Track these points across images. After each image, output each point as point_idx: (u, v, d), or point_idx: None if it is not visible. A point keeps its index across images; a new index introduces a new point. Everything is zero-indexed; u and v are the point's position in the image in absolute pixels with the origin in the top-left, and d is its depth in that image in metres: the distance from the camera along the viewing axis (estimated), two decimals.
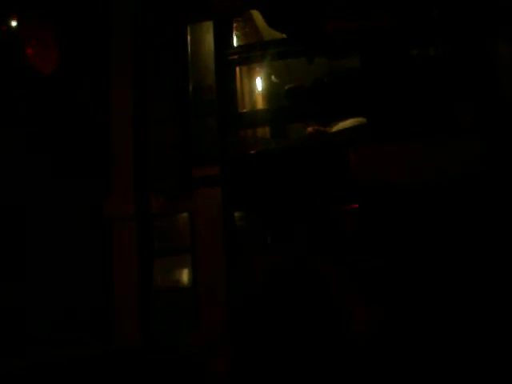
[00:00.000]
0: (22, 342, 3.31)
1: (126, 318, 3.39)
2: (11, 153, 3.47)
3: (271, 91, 3.78)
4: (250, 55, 3.63)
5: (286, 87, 3.53)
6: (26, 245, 3.48)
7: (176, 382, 3.11)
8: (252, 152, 3.46)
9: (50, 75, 3.27)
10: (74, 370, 3.16)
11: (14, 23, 3.16)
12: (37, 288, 3.43)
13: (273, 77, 3.72)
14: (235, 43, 3.80)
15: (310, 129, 3.63)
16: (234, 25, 3.81)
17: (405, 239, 3.12)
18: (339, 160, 3.28)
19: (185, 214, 3.46)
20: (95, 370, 3.17)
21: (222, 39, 3.59)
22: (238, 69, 3.71)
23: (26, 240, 3.49)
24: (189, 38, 3.57)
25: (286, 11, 3.47)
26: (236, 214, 3.42)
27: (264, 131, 3.84)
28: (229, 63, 3.61)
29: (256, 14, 3.97)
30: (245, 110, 3.75)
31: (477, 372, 2.82)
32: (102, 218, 3.50)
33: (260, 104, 3.89)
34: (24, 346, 3.29)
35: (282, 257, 3.23)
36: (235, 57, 3.60)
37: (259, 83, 3.83)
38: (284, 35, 3.58)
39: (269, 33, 3.71)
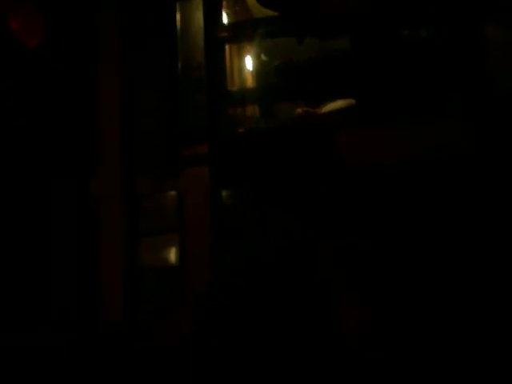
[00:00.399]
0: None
1: (113, 297, 3.39)
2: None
3: (261, 69, 3.74)
4: (239, 33, 3.60)
5: (276, 63, 3.50)
6: (11, 224, 3.44)
7: (162, 363, 3.10)
8: (241, 131, 3.45)
9: (35, 49, 3.21)
10: (57, 355, 3.14)
11: None
12: (20, 268, 3.38)
13: (262, 55, 3.68)
14: (225, 21, 3.75)
15: (299, 110, 3.60)
16: (224, 2, 3.76)
17: (392, 221, 3.12)
18: (327, 141, 3.27)
19: (172, 193, 3.45)
20: (81, 354, 3.15)
21: (212, 17, 3.55)
22: (227, 47, 3.67)
23: (11, 219, 3.44)
24: (178, 15, 3.53)
25: None
26: (224, 193, 3.40)
27: (253, 110, 3.81)
28: (218, 41, 3.57)
29: None
30: (234, 88, 3.71)
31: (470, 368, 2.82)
32: (89, 198, 3.47)
33: (250, 82, 3.86)
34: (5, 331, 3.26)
35: (269, 236, 3.22)
36: (225, 34, 3.57)
37: (249, 61, 3.80)
38: (274, 13, 3.54)
39: (259, 11, 3.66)
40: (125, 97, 3.53)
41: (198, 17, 3.53)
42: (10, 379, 3.07)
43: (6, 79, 3.30)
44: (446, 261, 2.99)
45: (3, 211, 3.39)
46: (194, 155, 3.38)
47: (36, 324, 3.30)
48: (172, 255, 3.45)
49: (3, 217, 3.39)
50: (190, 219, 3.38)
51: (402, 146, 3.15)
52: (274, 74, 3.47)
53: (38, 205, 3.45)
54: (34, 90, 3.38)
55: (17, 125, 3.43)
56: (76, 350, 3.19)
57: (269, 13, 3.60)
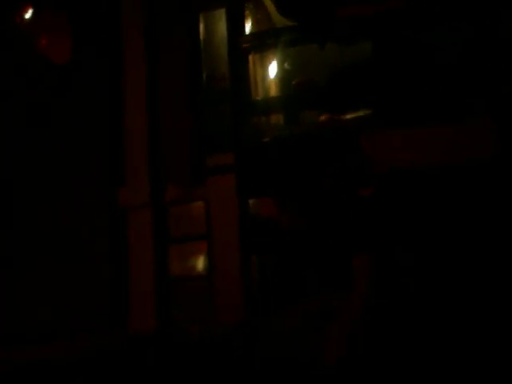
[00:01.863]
0: (36, 330, 3.34)
1: (142, 304, 3.44)
2: (33, 145, 3.50)
3: (284, 78, 3.78)
4: (262, 42, 3.64)
5: (294, 82, 3.54)
6: (43, 233, 3.51)
7: (191, 369, 3.12)
8: (265, 139, 3.48)
9: (63, 65, 3.29)
10: (88, 359, 3.18)
11: (28, 15, 3.18)
12: (54, 276, 3.46)
13: (285, 63, 3.72)
14: (248, 30, 3.79)
15: (323, 117, 3.63)
16: (246, 12, 3.80)
17: (419, 224, 3.12)
18: (353, 146, 3.29)
19: (200, 202, 3.49)
20: (110, 359, 3.20)
21: (235, 27, 3.59)
22: (250, 56, 3.71)
23: (44, 228, 3.52)
24: (201, 26, 3.59)
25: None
26: (251, 201, 3.44)
27: (277, 118, 3.84)
28: (241, 51, 3.61)
29: (267, 1, 3.97)
30: (258, 98, 3.75)
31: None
32: (118, 207, 3.53)
33: (273, 91, 3.90)
34: (38, 335, 3.33)
35: (297, 242, 3.25)
36: (248, 44, 3.61)
37: (272, 70, 3.84)
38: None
39: (280, 19, 3.70)
40: (151, 108, 3.59)
41: (221, 27, 3.58)
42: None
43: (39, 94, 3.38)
44: (470, 260, 2.98)
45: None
46: (219, 164, 3.42)
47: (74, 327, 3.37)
48: (201, 263, 3.50)
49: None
50: (217, 227, 3.42)
51: (429, 148, 3.16)
52: (293, 92, 3.50)
53: (71, 214, 3.51)
54: (66, 102, 3.46)
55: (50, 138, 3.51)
56: (106, 357, 3.23)
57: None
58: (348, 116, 3.56)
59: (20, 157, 3.54)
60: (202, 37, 3.59)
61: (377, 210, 3.18)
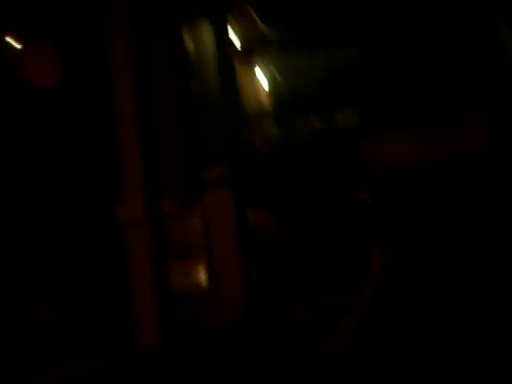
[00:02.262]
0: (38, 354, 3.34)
1: (145, 320, 3.45)
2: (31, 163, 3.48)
3: (274, 85, 3.77)
4: (249, 50, 3.63)
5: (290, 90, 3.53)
6: (38, 250, 3.49)
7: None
8: (259, 149, 3.48)
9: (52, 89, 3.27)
10: (94, 379, 3.19)
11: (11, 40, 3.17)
12: (51, 293, 3.45)
13: (274, 73, 3.71)
14: (235, 37, 3.77)
15: (313, 118, 3.62)
16: (231, 19, 3.78)
17: (419, 222, 3.14)
18: (349, 151, 3.29)
19: (197, 216, 3.50)
20: (114, 378, 3.20)
21: (220, 36, 3.57)
22: (239, 66, 3.70)
23: (39, 245, 3.50)
24: (185, 37, 3.56)
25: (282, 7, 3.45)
26: (248, 213, 3.44)
27: (271, 127, 3.84)
28: (229, 59, 3.60)
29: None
30: (250, 108, 3.74)
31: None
32: (115, 223, 3.53)
33: (264, 101, 3.89)
34: (39, 359, 3.32)
35: (299, 254, 3.25)
36: (235, 53, 3.60)
37: (262, 79, 3.82)
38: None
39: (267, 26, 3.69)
40: (143, 123, 3.57)
41: (207, 37, 3.56)
42: None
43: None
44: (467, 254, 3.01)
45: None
46: (215, 177, 3.42)
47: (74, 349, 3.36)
48: (201, 276, 3.50)
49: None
50: (215, 240, 3.43)
51: (427, 149, 3.17)
52: (289, 101, 3.50)
53: (73, 232, 3.50)
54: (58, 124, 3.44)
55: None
56: (114, 373, 3.24)
57: None
58: (341, 120, 3.57)
59: (21, 175, 3.50)
60: (188, 48, 3.57)
61: (376, 211, 3.20)
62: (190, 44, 3.57)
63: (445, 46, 3.30)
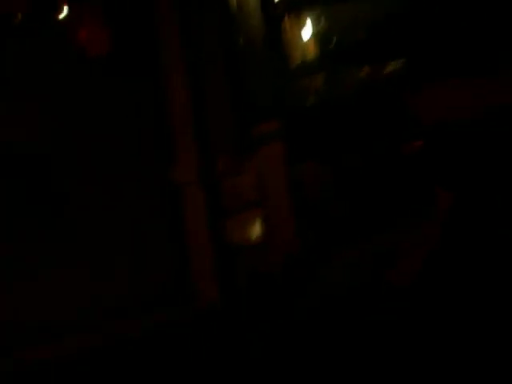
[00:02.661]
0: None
1: (204, 278, 3.53)
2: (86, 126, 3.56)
3: (321, 37, 3.72)
4: (295, 4, 3.58)
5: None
6: (101, 213, 3.58)
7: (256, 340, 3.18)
8: (309, 103, 3.47)
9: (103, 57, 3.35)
10: (158, 335, 3.28)
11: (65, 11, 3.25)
12: (112, 253, 3.54)
13: (321, 22, 3.66)
14: None
15: (362, 69, 3.57)
16: None
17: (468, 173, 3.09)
18: (398, 101, 3.25)
19: (250, 171, 3.53)
20: (177, 333, 3.28)
21: None
22: (286, 20, 3.66)
23: (102, 207, 3.58)
24: None
25: None
26: (300, 166, 3.45)
27: (319, 79, 3.79)
28: (276, 14, 3.58)
29: None
30: (297, 61, 3.71)
31: None
32: (170, 184, 3.60)
33: (312, 52, 3.84)
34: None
35: (348, 204, 3.26)
36: (281, 9, 3.56)
37: (308, 31, 3.77)
38: None
39: None
40: (193, 82, 3.60)
41: None
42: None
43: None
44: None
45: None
46: (266, 133, 3.43)
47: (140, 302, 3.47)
48: (257, 229, 3.55)
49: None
50: (268, 194, 3.46)
51: (474, 101, 3.10)
52: (337, 52, 3.46)
53: (127, 194, 3.58)
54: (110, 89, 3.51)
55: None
56: (175, 331, 3.32)
57: None
58: (387, 70, 3.51)
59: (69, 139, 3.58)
60: (235, 5, 3.56)
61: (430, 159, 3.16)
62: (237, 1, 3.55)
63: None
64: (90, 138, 3.51)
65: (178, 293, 3.56)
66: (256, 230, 3.52)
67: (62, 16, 3.26)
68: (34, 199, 3.38)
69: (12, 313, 3.26)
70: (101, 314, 3.40)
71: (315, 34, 3.67)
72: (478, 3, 3.21)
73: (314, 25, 3.66)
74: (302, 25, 3.74)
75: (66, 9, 3.22)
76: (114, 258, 3.52)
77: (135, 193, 3.58)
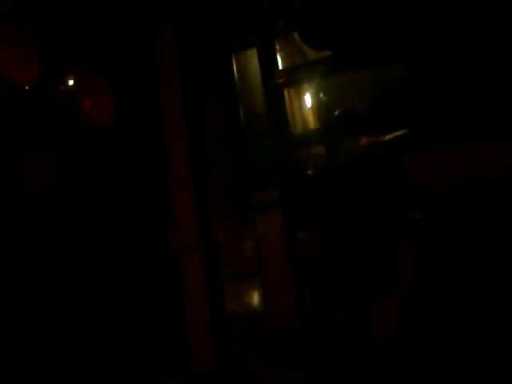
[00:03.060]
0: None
1: (201, 346, 3.46)
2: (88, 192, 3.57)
3: (321, 108, 3.79)
4: (295, 76, 3.67)
5: (336, 113, 3.55)
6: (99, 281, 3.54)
7: None
8: (309, 172, 3.49)
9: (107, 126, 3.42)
10: None
11: (70, 82, 3.34)
12: (111, 323, 3.48)
13: (321, 94, 3.73)
14: (280, 65, 3.83)
15: (363, 141, 3.61)
16: (277, 47, 3.84)
17: (475, 241, 3.07)
18: (397, 169, 3.27)
19: (250, 240, 3.52)
20: None
21: (267, 64, 3.65)
22: (285, 90, 3.74)
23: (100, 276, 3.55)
24: (234, 66, 3.64)
25: (327, 29, 3.49)
26: (300, 235, 3.45)
27: (318, 148, 3.84)
28: (276, 86, 3.66)
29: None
30: (297, 131, 3.77)
31: None
32: (168, 251, 3.58)
33: (311, 122, 3.91)
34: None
35: (351, 276, 3.24)
36: (282, 80, 3.65)
37: (308, 101, 3.85)
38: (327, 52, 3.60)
39: (312, 50, 3.73)
40: (193, 149, 3.65)
41: (254, 65, 3.63)
42: None
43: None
44: None
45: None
46: (265, 201, 3.44)
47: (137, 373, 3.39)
48: (256, 300, 3.51)
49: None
50: (268, 264, 3.44)
51: (473, 164, 3.11)
52: (336, 124, 3.52)
53: (125, 261, 3.56)
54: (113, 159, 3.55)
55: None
56: None
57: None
58: (387, 137, 3.55)
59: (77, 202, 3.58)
60: (236, 76, 3.65)
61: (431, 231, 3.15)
62: (238, 72, 3.64)
63: (487, 58, 3.26)
64: (91, 206, 3.52)
65: (174, 359, 3.49)
66: (254, 298, 3.48)
67: (68, 84, 3.34)
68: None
69: None
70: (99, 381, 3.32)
71: (315, 104, 3.74)
72: (482, 66, 3.27)
73: (315, 95, 3.73)
74: (302, 94, 3.83)
75: (72, 78, 3.30)
76: (111, 325, 3.46)
77: (134, 260, 3.56)
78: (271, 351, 3.29)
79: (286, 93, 3.73)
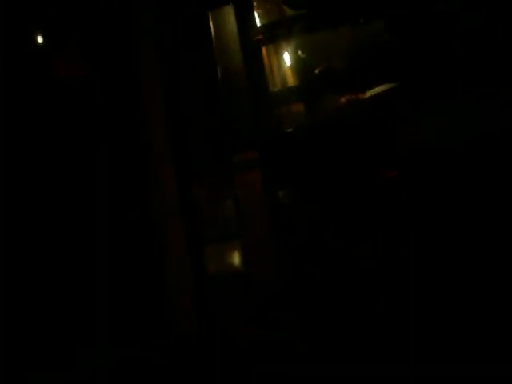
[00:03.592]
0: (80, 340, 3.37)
1: (183, 307, 3.47)
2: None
3: (300, 65, 3.73)
4: (274, 33, 3.60)
5: (317, 71, 3.50)
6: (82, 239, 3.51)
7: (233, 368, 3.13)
8: (288, 130, 3.46)
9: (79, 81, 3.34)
10: (137, 365, 3.21)
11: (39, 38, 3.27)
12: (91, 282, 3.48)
13: (299, 52, 3.67)
14: (258, 22, 3.75)
15: (342, 99, 3.58)
16: (255, 3, 3.76)
17: (446, 202, 3.07)
18: (376, 128, 3.25)
19: (229, 201, 3.51)
20: (157, 363, 3.23)
21: (244, 21, 3.57)
22: (264, 47, 3.68)
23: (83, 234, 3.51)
24: (211, 24, 3.57)
25: None
26: (279, 194, 3.44)
27: (298, 107, 3.80)
28: (254, 44, 3.59)
29: None
30: (276, 89, 3.72)
31: None
32: (150, 214, 3.55)
33: (290, 79, 3.86)
34: (83, 345, 3.36)
35: (328, 234, 3.24)
36: (260, 37, 3.58)
37: (287, 59, 3.79)
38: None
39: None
40: (171, 109, 3.58)
41: (231, 23, 3.56)
42: None
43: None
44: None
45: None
46: (245, 160, 3.42)
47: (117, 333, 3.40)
48: (236, 261, 3.52)
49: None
50: (248, 223, 3.43)
51: (450, 126, 3.10)
52: (316, 82, 3.47)
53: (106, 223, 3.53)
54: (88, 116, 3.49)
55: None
56: (152, 363, 3.26)
57: None
58: (367, 94, 3.51)
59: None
60: (213, 34, 3.58)
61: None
62: (216, 30, 3.57)
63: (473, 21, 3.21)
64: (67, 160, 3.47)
65: (156, 321, 3.50)
66: (235, 259, 3.48)
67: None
68: None
69: None
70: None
71: (294, 62, 3.69)
72: (463, 22, 3.23)
73: (293, 52, 3.68)
74: (280, 52, 3.77)
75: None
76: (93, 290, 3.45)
77: (113, 225, 3.53)
78: (252, 313, 3.30)
79: (264, 50, 3.67)
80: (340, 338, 2.96)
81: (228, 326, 3.34)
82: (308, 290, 3.22)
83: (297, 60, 3.68)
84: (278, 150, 3.41)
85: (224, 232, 3.54)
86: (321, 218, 3.28)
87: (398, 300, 2.91)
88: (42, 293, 3.32)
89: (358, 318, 2.99)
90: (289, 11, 3.86)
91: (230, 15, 3.59)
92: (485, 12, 3.15)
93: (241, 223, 3.44)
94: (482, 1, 3.15)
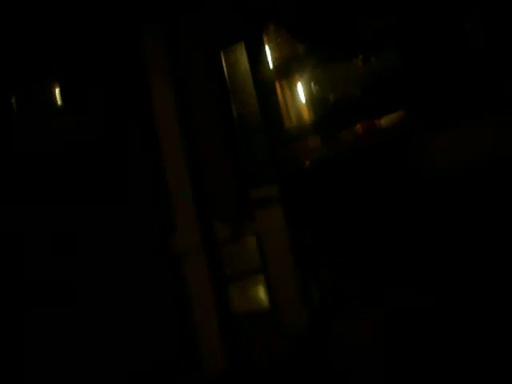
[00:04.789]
0: None
1: (211, 347, 3.44)
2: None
3: (314, 98, 3.73)
4: (286, 69, 3.62)
5: (331, 100, 3.51)
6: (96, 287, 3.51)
7: None
8: (306, 165, 3.46)
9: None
10: None
11: None
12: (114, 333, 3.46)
13: (313, 84, 3.68)
14: (269, 56, 3.77)
15: (358, 126, 3.56)
16: (265, 37, 3.78)
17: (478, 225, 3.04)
18: (397, 155, 3.23)
19: (251, 237, 3.49)
20: None
21: (256, 57, 3.59)
22: (278, 84, 3.69)
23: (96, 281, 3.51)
24: (224, 62, 3.59)
25: (313, 21, 3.45)
26: (302, 229, 3.41)
27: (315, 140, 3.80)
28: (267, 80, 3.61)
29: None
30: (292, 124, 3.72)
31: None
32: (169, 253, 3.55)
33: (305, 112, 3.86)
34: None
35: (352, 268, 3.21)
36: (272, 74, 3.60)
37: (301, 93, 3.80)
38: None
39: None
40: (190, 154, 3.61)
41: (243, 60, 3.58)
42: None
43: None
44: None
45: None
46: (264, 196, 3.41)
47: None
48: (261, 296, 3.48)
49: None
50: (271, 258, 3.41)
51: (475, 147, 3.07)
52: (331, 111, 3.48)
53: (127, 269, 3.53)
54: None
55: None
56: None
57: None
58: (382, 122, 3.50)
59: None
60: (226, 73, 3.60)
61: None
62: (228, 68, 3.59)
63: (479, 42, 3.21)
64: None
65: (186, 360, 3.47)
66: (260, 295, 3.45)
67: None
68: None
69: None
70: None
71: (308, 95, 3.69)
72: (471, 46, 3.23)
73: (307, 86, 3.68)
74: (294, 87, 3.78)
75: None
76: (117, 333, 3.43)
77: (136, 264, 3.52)
78: (280, 348, 3.27)
79: (277, 86, 3.68)
80: None
81: (258, 362, 3.31)
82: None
83: (311, 92, 3.68)
84: (297, 185, 3.40)
85: (247, 268, 3.51)
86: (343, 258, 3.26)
87: None
88: None
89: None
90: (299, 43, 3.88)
91: (241, 53, 3.62)
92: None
93: (263, 259, 3.41)
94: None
